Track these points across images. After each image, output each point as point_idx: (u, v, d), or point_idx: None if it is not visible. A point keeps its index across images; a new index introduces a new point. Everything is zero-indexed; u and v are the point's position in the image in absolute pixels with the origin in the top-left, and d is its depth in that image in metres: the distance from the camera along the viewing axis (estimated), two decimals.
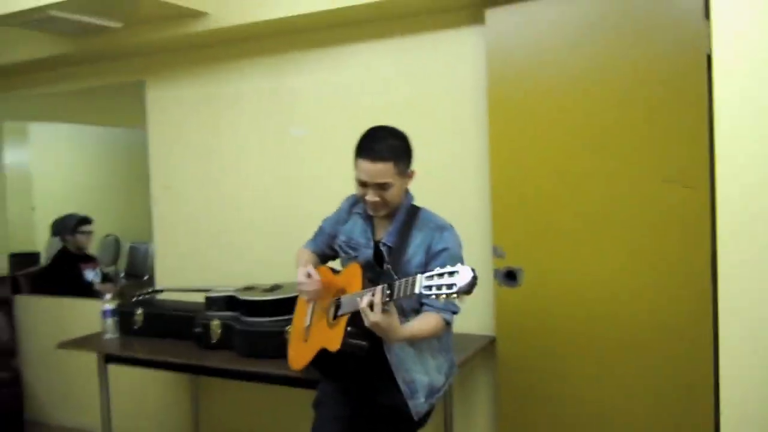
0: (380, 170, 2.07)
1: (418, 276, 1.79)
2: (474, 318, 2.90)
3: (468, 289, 1.70)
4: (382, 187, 2.09)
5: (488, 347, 2.85)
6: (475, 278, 1.71)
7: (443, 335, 2.22)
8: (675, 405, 2.49)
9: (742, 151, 2.22)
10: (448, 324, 2.14)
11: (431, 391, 2.19)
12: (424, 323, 2.07)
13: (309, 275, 2.22)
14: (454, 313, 2.15)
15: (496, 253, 2.77)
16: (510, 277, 2.76)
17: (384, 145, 2.09)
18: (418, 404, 2.15)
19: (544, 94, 2.66)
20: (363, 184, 2.12)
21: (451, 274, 1.72)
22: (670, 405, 2.50)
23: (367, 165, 2.08)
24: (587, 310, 2.64)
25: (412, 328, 2.04)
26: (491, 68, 2.74)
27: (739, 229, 2.23)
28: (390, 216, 2.20)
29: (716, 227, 2.27)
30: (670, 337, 2.49)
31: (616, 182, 2.56)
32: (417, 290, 1.77)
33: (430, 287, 1.74)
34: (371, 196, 2.11)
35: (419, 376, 2.15)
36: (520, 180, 2.73)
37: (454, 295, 1.70)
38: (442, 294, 1.72)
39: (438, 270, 1.75)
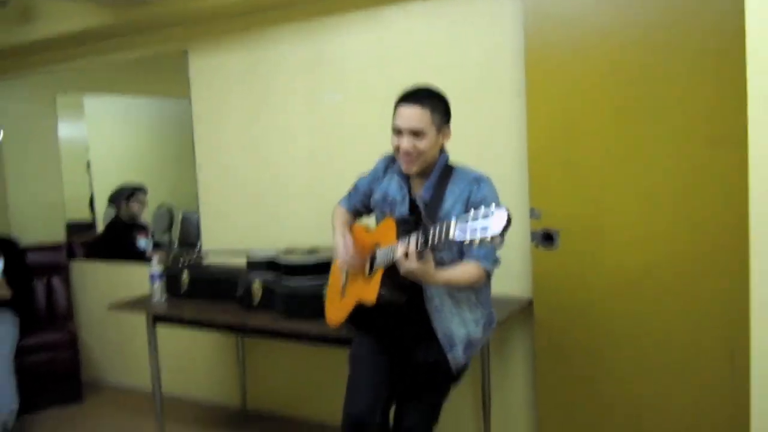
0: (417, 114, 2.09)
1: (452, 220, 1.77)
2: (511, 280, 2.90)
3: (503, 230, 1.66)
4: (416, 134, 2.10)
5: (526, 308, 2.84)
6: (509, 219, 1.67)
7: (481, 290, 2.22)
8: (713, 361, 2.45)
9: None
10: (487, 274, 2.13)
11: (469, 344, 2.20)
12: (461, 270, 2.09)
13: (346, 245, 2.28)
14: (495, 262, 2.15)
15: (533, 214, 2.75)
16: (547, 239, 2.74)
17: (423, 94, 2.14)
18: (456, 356, 2.17)
19: (582, 57, 2.61)
20: (398, 132, 2.14)
21: (485, 216, 1.70)
22: (708, 362, 2.46)
23: (404, 109, 2.11)
24: (624, 272, 2.60)
25: (449, 273, 2.06)
26: (529, 31, 2.69)
27: None
28: (425, 174, 2.21)
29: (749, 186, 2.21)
30: (708, 298, 2.44)
31: (654, 144, 2.50)
32: (451, 235, 1.75)
33: (464, 231, 1.72)
34: (405, 144, 2.11)
35: (457, 329, 2.17)
36: (557, 142, 2.69)
37: (489, 238, 1.67)
38: (476, 237, 1.68)
39: (472, 213, 1.73)
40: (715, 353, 2.44)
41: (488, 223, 1.68)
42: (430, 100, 2.13)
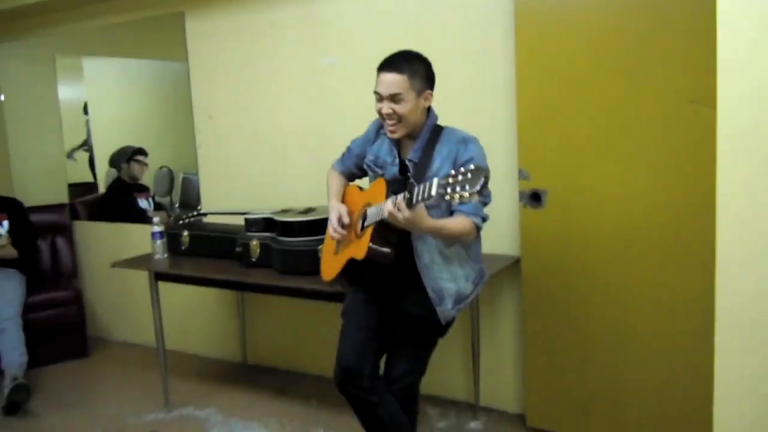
0: (395, 80, 2.15)
1: (434, 179, 1.83)
2: (501, 238, 3.00)
3: (481, 186, 1.72)
4: (394, 99, 2.16)
5: (513, 266, 2.94)
6: (486, 176, 1.73)
7: (471, 246, 2.30)
8: (686, 307, 2.56)
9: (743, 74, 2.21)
10: (477, 229, 2.20)
11: (459, 298, 2.28)
12: (452, 221, 2.15)
13: (340, 220, 2.34)
14: (483, 219, 2.22)
15: (522, 175, 2.83)
16: (535, 198, 2.82)
17: (401, 59, 2.18)
18: (445, 310, 2.25)
19: (570, 21, 2.66)
20: (379, 98, 2.21)
21: (464, 174, 1.76)
22: (682, 309, 2.57)
23: (382, 75, 2.18)
24: (609, 231, 2.69)
25: (441, 221, 2.11)
26: None
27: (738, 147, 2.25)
28: (414, 136, 2.27)
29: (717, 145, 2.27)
30: (683, 252, 2.54)
31: (638, 105, 2.56)
32: (433, 192, 1.81)
33: (445, 188, 1.78)
34: (385, 108, 2.18)
35: (447, 284, 2.24)
36: (546, 105, 2.75)
37: (468, 194, 1.73)
38: (456, 194, 1.74)
39: (453, 172, 1.79)
40: (688, 303, 2.55)
41: (467, 180, 1.75)
42: (409, 64, 2.17)
